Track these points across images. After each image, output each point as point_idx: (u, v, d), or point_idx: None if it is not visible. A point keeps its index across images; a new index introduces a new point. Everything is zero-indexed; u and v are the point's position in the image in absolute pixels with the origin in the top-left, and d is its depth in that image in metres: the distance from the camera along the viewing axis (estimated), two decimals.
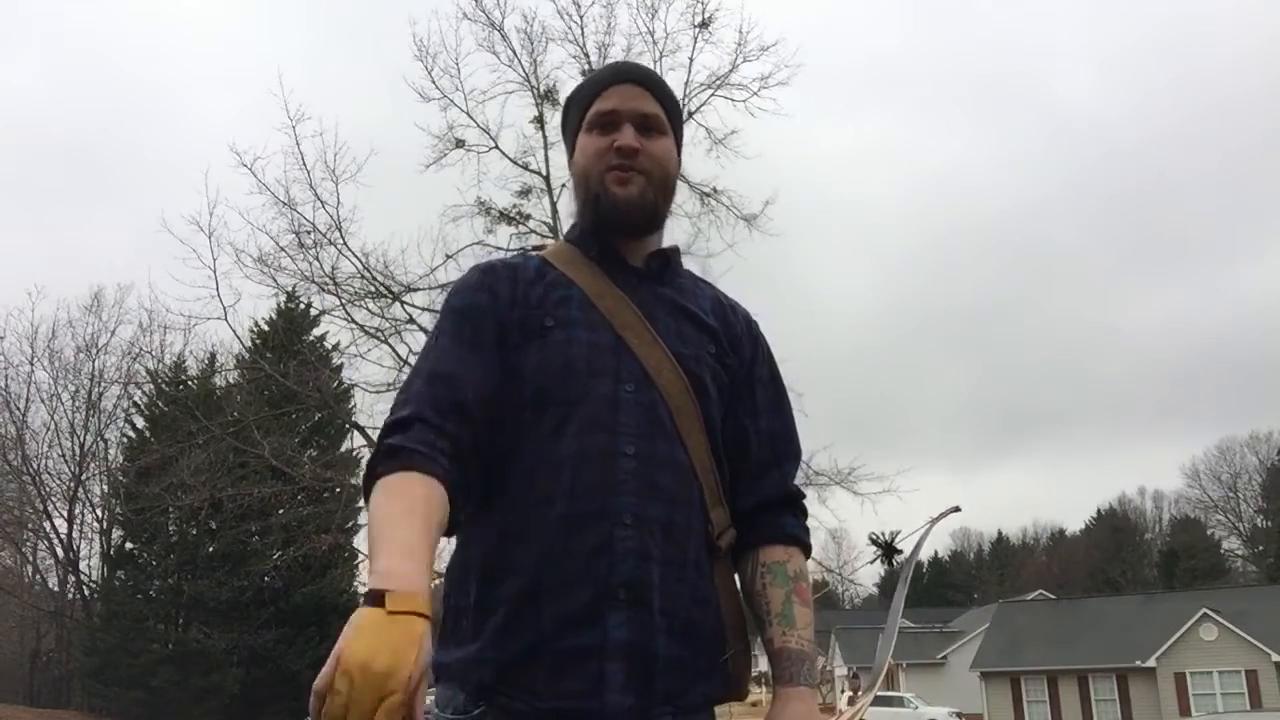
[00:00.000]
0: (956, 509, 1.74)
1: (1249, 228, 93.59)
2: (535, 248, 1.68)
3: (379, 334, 15.13)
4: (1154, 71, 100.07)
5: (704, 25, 15.59)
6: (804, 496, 1.62)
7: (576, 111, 1.61)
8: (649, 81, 1.60)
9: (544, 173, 15.64)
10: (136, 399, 27.67)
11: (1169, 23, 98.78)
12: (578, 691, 1.33)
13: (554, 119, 15.15)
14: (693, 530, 1.44)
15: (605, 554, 1.36)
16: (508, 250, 14.84)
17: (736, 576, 1.54)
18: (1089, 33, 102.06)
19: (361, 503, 17.87)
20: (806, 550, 1.57)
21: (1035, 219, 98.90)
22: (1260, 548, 63.38)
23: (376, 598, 1.10)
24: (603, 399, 1.43)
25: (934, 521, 1.74)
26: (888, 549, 1.60)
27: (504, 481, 1.43)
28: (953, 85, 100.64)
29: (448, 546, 1.53)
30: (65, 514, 27.90)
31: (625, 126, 1.54)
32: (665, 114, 1.59)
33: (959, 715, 36.44)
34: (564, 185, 14.76)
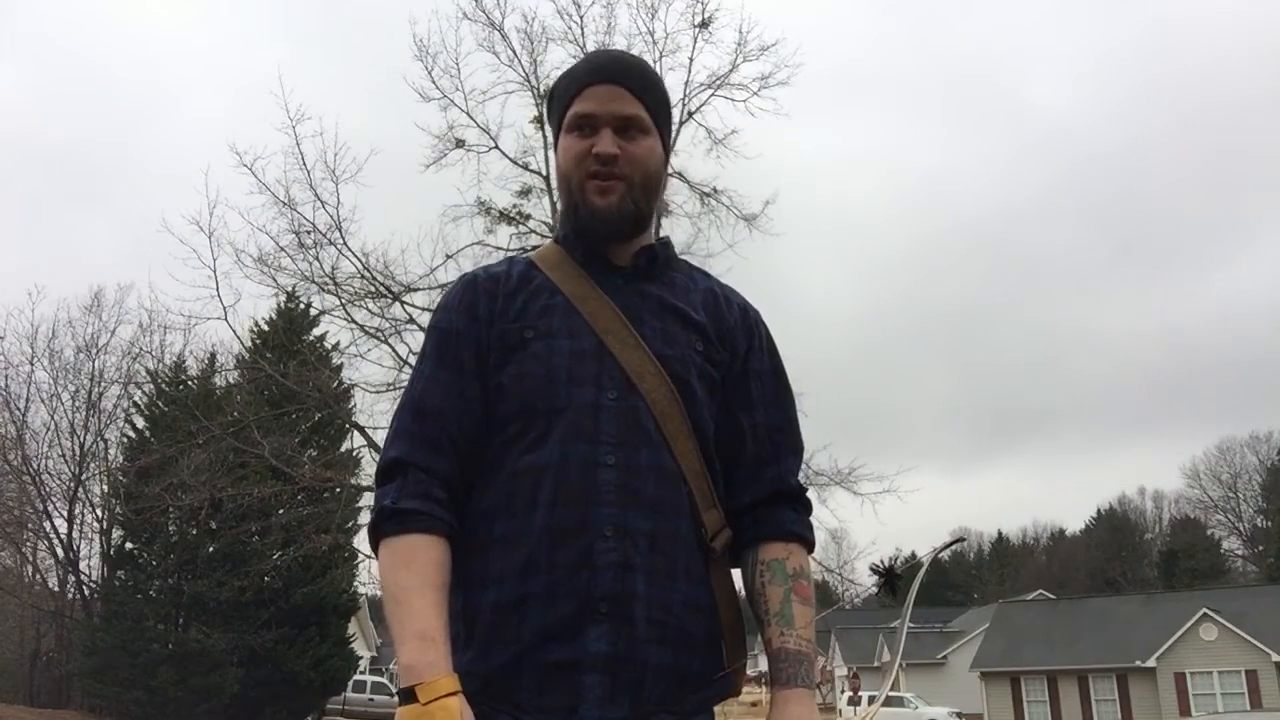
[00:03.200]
0: (962, 540, 1.74)
1: (1231, 230, 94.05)
2: (533, 247, 1.68)
3: (379, 334, 15.12)
4: (1131, 77, 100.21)
5: (704, 25, 15.58)
6: (805, 491, 1.59)
7: (558, 107, 1.58)
8: (629, 79, 1.54)
9: (544, 173, 15.63)
10: (136, 399, 27.63)
11: (1146, 28, 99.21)
12: (559, 705, 1.34)
13: None
14: (681, 537, 1.43)
15: (586, 567, 1.36)
16: (508, 250, 14.85)
17: (739, 575, 1.53)
18: (1067, 38, 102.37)
19: (361, 502, 17.93)
20: (809, 546, 1.54)
21: (1017, 222, 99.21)
22: (1260, 548, 63.34)
23: (410, 694, 1.26)
24: (585, 407, 1.43)
25: (936, 552, 1.73)
26: (889, 576, 1.60)
27: (490, 491, 1.44)
28: (931, 91, 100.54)
29: None
30: (65, 514, 27.85)
31: (604, 131, 1.50)
32: (647, 110, 1.54)
33: (959, 715, 36.43)
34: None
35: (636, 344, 1.47)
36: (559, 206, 1.62)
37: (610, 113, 1.51)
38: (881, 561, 1.64)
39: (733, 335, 1.57)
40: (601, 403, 1.43)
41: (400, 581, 1.36)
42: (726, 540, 1.49)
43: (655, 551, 1.40)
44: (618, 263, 1.55)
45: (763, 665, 1.53)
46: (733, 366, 1.56)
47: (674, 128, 1.66)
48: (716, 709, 1.49)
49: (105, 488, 28.30)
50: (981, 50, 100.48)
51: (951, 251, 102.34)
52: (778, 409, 1.58)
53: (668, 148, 1.61)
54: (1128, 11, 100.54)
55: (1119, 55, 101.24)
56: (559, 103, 1.58)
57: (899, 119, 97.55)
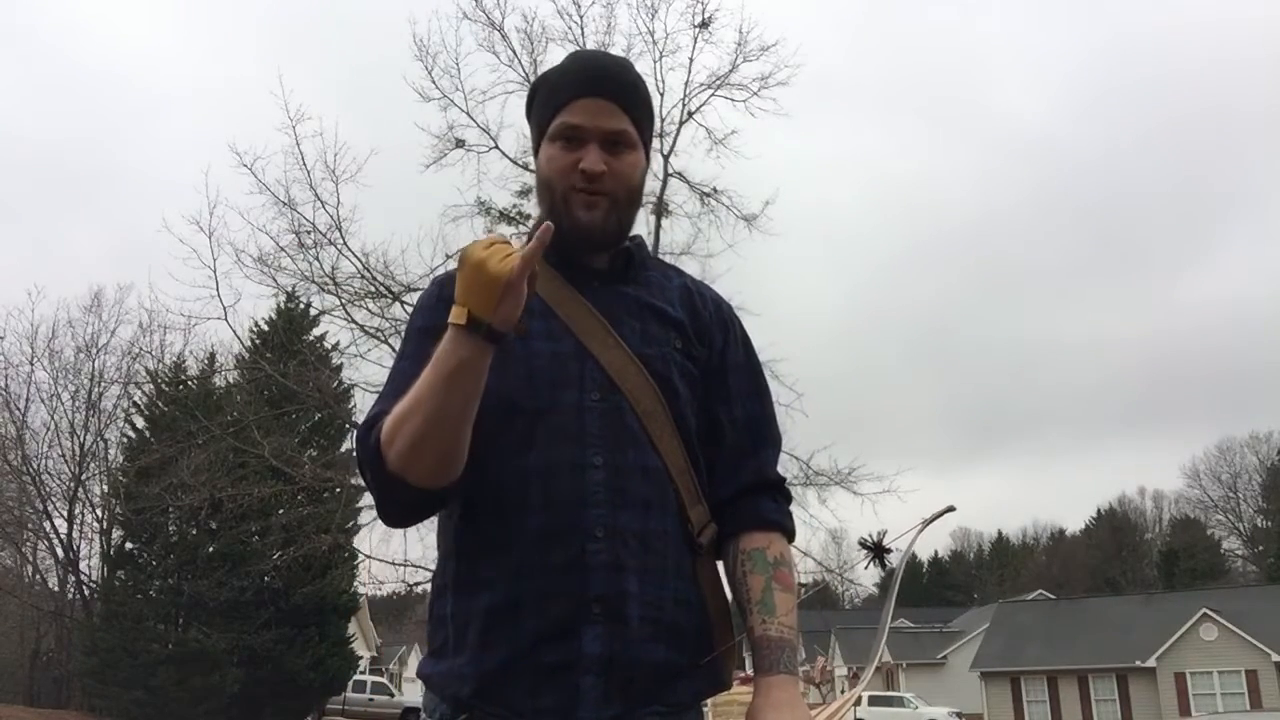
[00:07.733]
0: (951, 509, 1.71)
1: (1226, 231, 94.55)
2: None
3: (379, 334, 15.12)
4: (1102, 85, 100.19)
5: (704, 25, 15.58)
6: (785, 481, 1.60)
7: (543, 111, 1.55)
8: (618, 93, 1.52)
9: None
10: (136, 399, 27.68)
11: (1124, 38, 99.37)
12: (555, 707, 1.35)
13: None
14: (670, 535, 1.44)
15: (578, 568, 1.37)
16: None
17: (721, 566, 1.54)
18: (1047, 46, 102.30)
19: (361, 503, 17.96)
20: (789, 535, 1.55)
21: (1008, 227, 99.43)
22: (1260, 548, 63.32)
23: (464, 315, 1.27)
24: (569, 409, 1.43)
25: (927, 522, 1.72)
26: (878, 550, 1.59)
27: (476, 493, 1.43)
28: (910, 99, 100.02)
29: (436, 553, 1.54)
30: (65, 514, 27.90)
31: (591, 146, 1.48)
32: (633, 123, 1.52)
33: (959, 715, 36.44)
34: None
35: (617, 345, 1.47)
36: (540, 208, 1.58)
37: (598, 127, 1.49)
38: (870, 535, 1.63)
39: (709, 331, 1.58)
40: (585, 404, 1.43)
41: (404, 403, 1.34)
42: (712, 535, 1.51)
43: (646, 551, 1.41)
44: (594, 266, 1.55)
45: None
46: (710, 362, 1.57)
47: (656, 124, 1.64)
48: (715, 709, 1.49)
49: (105, 488, 28.37)
50: (956, 59, 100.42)
51: (937, 257, 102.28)
52: (755, 402, 1.60)
53: (649, 153, 1.61)
54: (1105, 22, 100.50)
55: (1099, 63, 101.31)
56: (543, 107, 1.55)
57: (876, 127, 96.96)
